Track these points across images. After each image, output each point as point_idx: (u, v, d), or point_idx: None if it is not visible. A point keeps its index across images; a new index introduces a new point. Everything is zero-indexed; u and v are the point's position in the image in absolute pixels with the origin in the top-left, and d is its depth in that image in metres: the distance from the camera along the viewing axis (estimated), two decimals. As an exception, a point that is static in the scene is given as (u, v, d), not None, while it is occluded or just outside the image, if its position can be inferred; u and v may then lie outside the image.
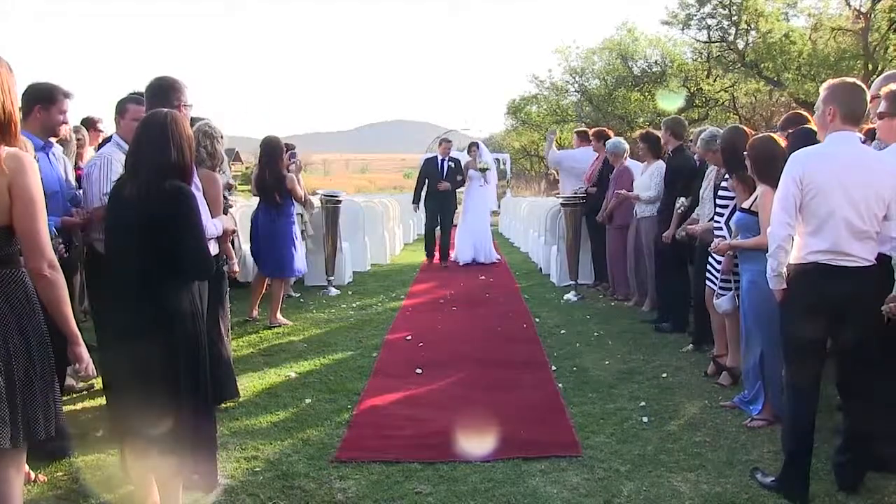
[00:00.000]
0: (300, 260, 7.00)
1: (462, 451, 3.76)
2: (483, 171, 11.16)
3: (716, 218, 4.89)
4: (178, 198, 2.70)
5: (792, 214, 3.12)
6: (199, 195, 3.43)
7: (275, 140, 6.98)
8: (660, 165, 6.97)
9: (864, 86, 3.24)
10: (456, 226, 11.59)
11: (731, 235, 4.47)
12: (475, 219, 11.20)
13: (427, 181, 10.98)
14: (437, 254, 11.18)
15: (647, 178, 7.10)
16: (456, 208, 11.60)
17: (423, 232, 12.09)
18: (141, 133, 2.82)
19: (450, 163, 10.93)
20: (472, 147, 11.47)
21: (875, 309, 3.07)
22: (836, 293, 3.09)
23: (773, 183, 3.70)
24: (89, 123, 6.08)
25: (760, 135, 4.22)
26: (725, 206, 4.73)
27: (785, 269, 3.20)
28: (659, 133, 7.33)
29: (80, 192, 4.34)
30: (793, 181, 3.12)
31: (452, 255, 11.32)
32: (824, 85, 3.31)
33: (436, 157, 11.13)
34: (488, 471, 3.54)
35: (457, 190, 11.21)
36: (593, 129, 9.51)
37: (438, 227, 11.11)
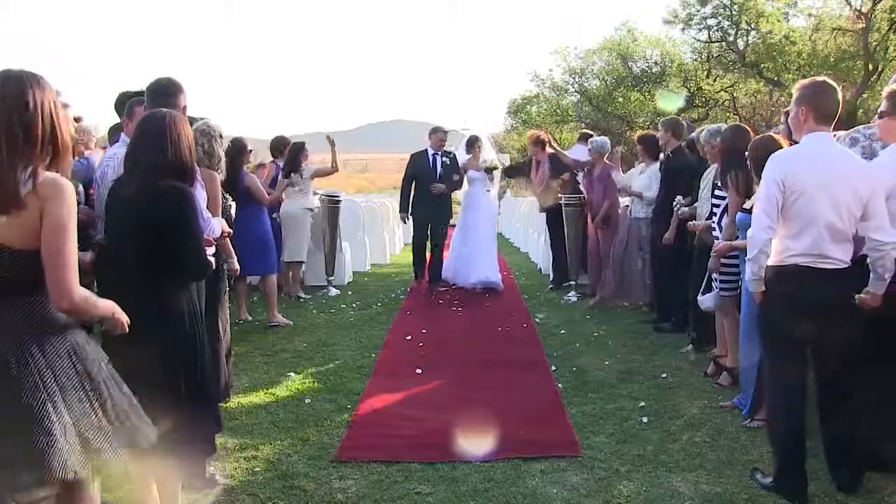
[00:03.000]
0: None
1: (462, 451, 3.76)
2: (490, 170, 8.83)
3: (712, 217, 4.91)
4: (176, 198, 2.69)
5: (774, 217, 3.10)
6: (202, 193, 3.42)
7: (234, 140, 6.78)
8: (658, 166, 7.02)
9: (835, 85, 3.22)
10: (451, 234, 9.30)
11: (721, 234, 4.52)
12: (479, 234, 8.72)
13: (415, 183, 8.53)
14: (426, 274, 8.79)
15: (646, 178, 7.11)
16: (451, 216, 9.15)
17: None
18: (139, 133, 2.81)
19: (444, 158, 8.43)
20: (475, 142, 8.91)
21: (855, 309, 3.12)
22: (819, 295, 3.10)
23: None
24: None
25: (762, 135, 4.22)
26: (719, 206, 4.76)
27: (763, 273, 3.19)
28: (658, 134, 7.37)
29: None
30: (775, 183, 3.09)
31: (444, 271, 8.85)
32: (796, 85, 3.30)
33: (425, 151, 8.53)
34: (488, 471, 3.54)
35: (452, 193, 8.86)
36: (534, 134, 9.21)
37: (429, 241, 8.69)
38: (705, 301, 4.76)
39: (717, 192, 4.87)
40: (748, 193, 4.35)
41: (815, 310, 3.11)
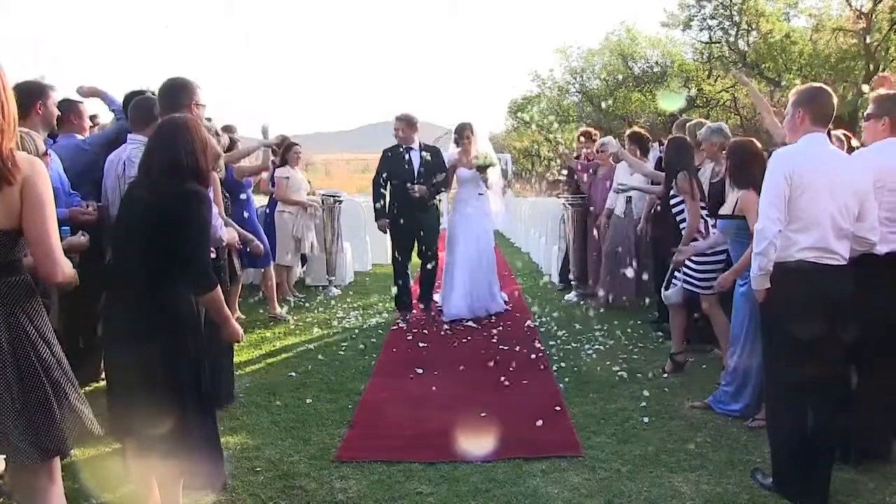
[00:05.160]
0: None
1: (463, 451, 3.75)
2: (483, 168, 6.89)
3: (704, 216, 4.98)
4: (189, 202, 2.69)
5: (783, 211, 3.14)
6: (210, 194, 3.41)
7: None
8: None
9: (830, 90, 3.33)
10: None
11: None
12: (472, 249, 6.99)
13: (390, 185, 6.91)
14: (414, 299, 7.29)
15: (641, 176, 7.14)
16: (440, 225, 7.36)
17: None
18: (156, 137, 2.84)
19: (424, 153, 6.82)
20: (464, 132, 6.98)
21: (857, 307, 3.19)
22: (830, 291, 3.14)
23: (751, 185, 3.85)
24: (71, 108, 4.77)
25: (738, 138, 4.39)
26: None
27: (771, 267, 3.20)
28: (644, 132, 7.54)
29: None
30: (783, 178, 3.14)
31: (437, 298, 7.33)
32: (793, 90, 3.40)
33: (398, 144, 6.90)
34: (489, 471, 3.54)
35: (436, 197, 7.11)
36: (585, 129, 9.09)
37: (416, 256, 7.10)
38: (671, 296, 4.91)
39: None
40: (703, 196, 4.82)
41: (823, 307, 3.14)
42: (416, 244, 7.02)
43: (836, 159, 3.26)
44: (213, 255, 3.63)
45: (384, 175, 6.90)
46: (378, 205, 7.00)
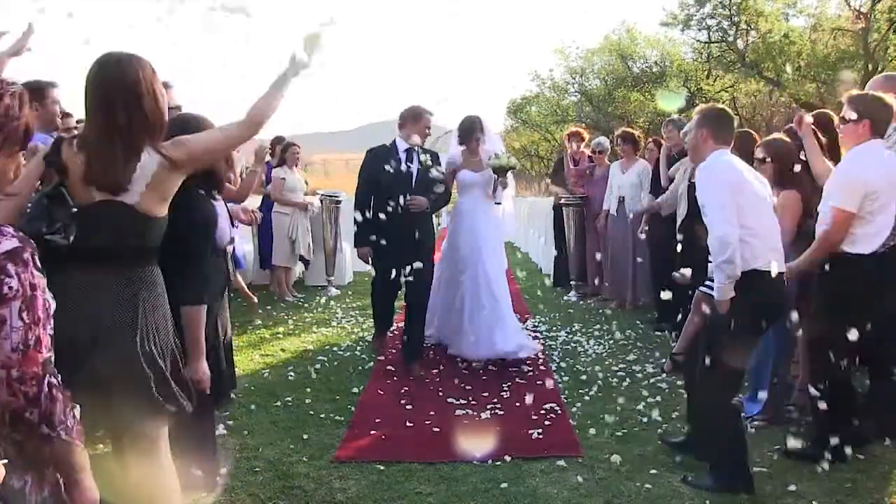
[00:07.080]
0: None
1: (462, 451, 3.75)
2: (503, 170, 5.45)
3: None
4: (183, 200, 2.67)
5: (736, 216, 3.15)
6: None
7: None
8: (646, 164, 7.25)
9: (730, 112, 3.55)
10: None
11: None
12: (480, 274, 5.44)
13: (375, 196, 5.19)
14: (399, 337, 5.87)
15: (635, 177, 7.18)
16: (434, 246, 5.63)
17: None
18: None
19: (423, 156, 5.21)
20: (473, 129, 5.53)
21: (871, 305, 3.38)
22: (776, 299, 3.29)
23: (795, 186, 3.81)
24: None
25: (774, 136, 4.22)
26: None
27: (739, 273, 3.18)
28: (636, 133, 7.65)
29: None
30: (727, 186, 3.19)
31: (429, 334, 5.76)
32: (696, 110, 3.57)
33: (393, 145, 5.31)
34: (488, 471, 3.54)
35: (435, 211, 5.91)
36: (575, 130, 8.97)
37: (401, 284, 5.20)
38: None
39: None
40: None
41: (774, 313, 3.34)
42: (402, 270, 5.10)
43: (751, 174, 3.36)
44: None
45: (369, 184, 5.24)
46: (362, 223, 5.18)
